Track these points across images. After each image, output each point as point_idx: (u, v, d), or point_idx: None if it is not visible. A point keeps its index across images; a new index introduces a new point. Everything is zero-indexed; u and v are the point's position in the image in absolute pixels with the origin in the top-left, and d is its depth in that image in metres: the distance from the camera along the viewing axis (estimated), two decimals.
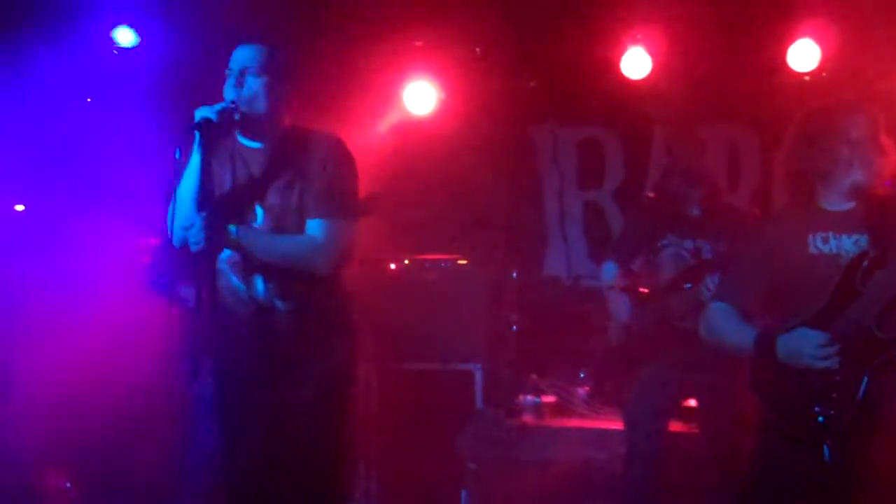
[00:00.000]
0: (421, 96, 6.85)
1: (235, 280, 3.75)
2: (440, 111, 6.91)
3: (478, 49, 6.80)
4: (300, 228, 3.73)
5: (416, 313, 6.21)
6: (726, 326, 3.78)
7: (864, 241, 3.56)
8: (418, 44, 6.73)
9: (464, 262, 6.35)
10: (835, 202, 3.65)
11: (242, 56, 3.73)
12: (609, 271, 5.32)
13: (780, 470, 3.68)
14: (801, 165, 3.70)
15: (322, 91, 5.95)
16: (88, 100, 6.72)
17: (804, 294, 3.60)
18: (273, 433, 3.70)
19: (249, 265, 3.72)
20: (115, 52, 6.45)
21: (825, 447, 3.48)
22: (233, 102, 3.65)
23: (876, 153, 3.59)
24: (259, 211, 3.75)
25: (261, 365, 3.72)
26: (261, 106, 3.72)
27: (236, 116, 3.62)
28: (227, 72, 3.73)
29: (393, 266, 6.41)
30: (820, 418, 3.49)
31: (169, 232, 3.65)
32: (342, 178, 3.75)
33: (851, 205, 3.64)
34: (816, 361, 3.48)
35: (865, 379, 3.44)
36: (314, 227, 3.70)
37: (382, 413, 6.10)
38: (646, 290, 5.19)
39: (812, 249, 3.62)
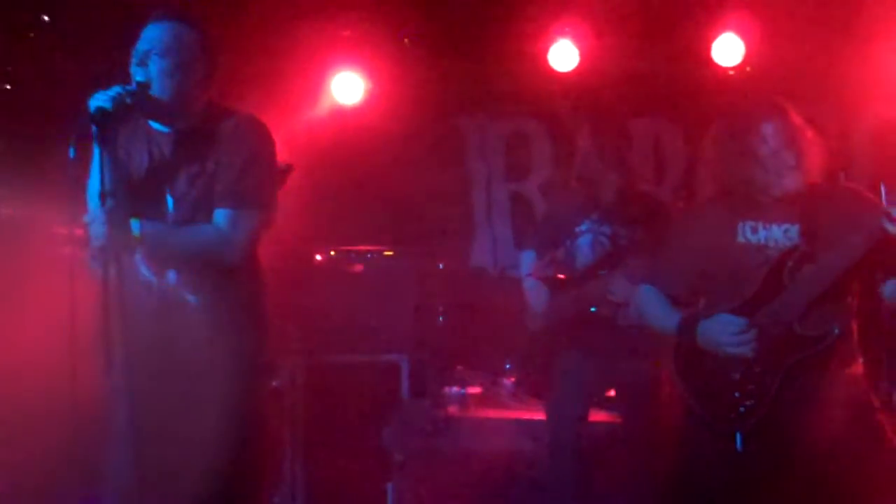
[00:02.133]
0: (349, 86, 6.81)
1: (146, 273, 3.61)
2: (368, 101, 6.88)
3: (406, 40, 6.78)
4: (209, 217, 3.59)
5: (342, 305, 6.18)
6: (653, 310, 3.83)
7: (794, 231, 3.57)
8: (346, 33, 6.68)
9: (390, 253, 6.35)
10: (764, 197, 3.64)
11: (148, 36, 3.53)
12: (527, 260, 5.33)
13: (696, 458, 3.74)
14: (723, 177, 3.71)
15: (247, 80, 5.88)
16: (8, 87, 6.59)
17: (731, 283, 3.63)
18: (181, 428, 3.60)
19: (160, 258, 3.59)
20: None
21: (738, 436, 3.53)
22: (130, 88, 3.43)
23: (797, 157, 3.57)
24: (169, 200, 3.62)
25: (169, 359, 3.59)
26: (164, 89, 3.52)
27: (128, 100, 3.38)
28: (132, 52, 3.53)
29: (319, 257, 6.38)
30: (739, 408, 3.53)
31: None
32: (254, 166, 3.58)
33: (782, 198, 3.62)
34: (732, 347, 3.53)
35: (780, 373, 3.49)
36: (221, 216, 3.56)
37: (308, 405, 6.06)
38: (562, 277, 5.18)
39: (740, 238, 3.63)
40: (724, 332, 3.54)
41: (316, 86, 6.81)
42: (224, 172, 3.56)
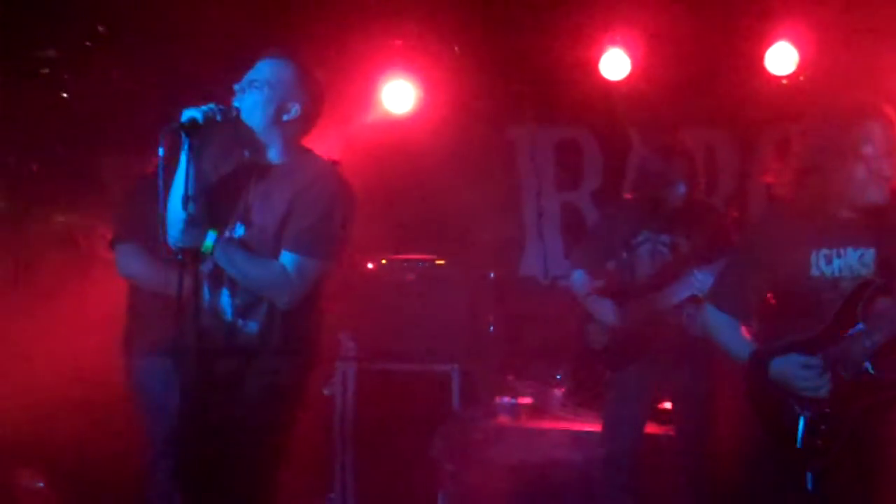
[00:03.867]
0: (400, 95, 6.83)
1: (205, 288, 3.70)
2: (419, 110, 6.89)
3: (456, 48, 6.78)
4: (273, 253, 3.67)
5: (393, 313, 6.21)
6: (723, 334, 3.70)
7: (869, 256, 3.43)
8: (397, 42, 6.70)
9: (441, 262, 6.34)
10: (843, 211, 3.49)
11: (256, 68, 3.71)
12: (579, 280, 5.30)
13: (762, 488, 3.64)
14: (809, 177, 3.49)
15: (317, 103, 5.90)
16: (64, 95, 6.67)
17: (801, 316, 3.51)
18: (215, 446, 3.63)
19: (219, 276, 3.68)
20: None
21: (809, 476, 3.41)
22: (223, 107, 3.57)
23: (891, 169, 3.39)
24: (240, 226, 3.71)
25: (211, 378, 3.63)
26: (256, 119, 3.67)
27: (219, 117, 3.53)
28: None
29: (371, 266, 6.39)
30: (810, 447, 3.41)
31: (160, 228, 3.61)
32: (331, 219, 3.68)
33: (861, 214, 3.47)
34: (808, 391, 3.39)
35: (854, 416, 3.36)
36: (289, 259, 3.64)
37: (359, 413, 6.08)
38: (623, 290, 5.15)
39: (814, 270, 3.49)
40: (799, 374, 3.40)
41: (367, 94, 6.84)
42: (299, 217, 3.65)
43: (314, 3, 6.33)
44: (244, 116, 3.65)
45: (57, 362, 6.20)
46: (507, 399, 6.08)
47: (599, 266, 5.32)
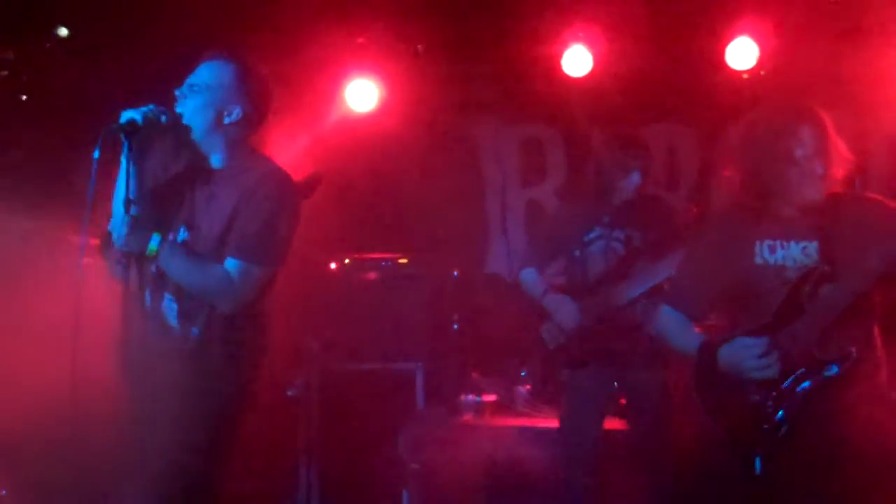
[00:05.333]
0: (363, 93, 6.81)
1: (148, 292, 3.66)
2: (382, 108, 6.87)
3: (419, 46, 6.78)
4: (217, 258, 3.62)
5: (357, 313, 6.21)
6: (672, 330, 3.78)
7: (812, 248, 3.53)
8: (360, 41, 6.68)
9: (404, 261, 6.34)
10: (786, 208, 3.59)
11: (196, 71, 3.66)
12: (531, 278, 5.25)
13: (714, 477, 3.73)
14: (748, 179, 3.63)
15: (263, 100, 5.88)
16: (23, 97, 6.62)
17: (749, 305, 3.60)
18: (159, 451, 3.59)
19: (163, 280, 3.64)
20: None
21: (756, 458, 3.49)
22: (164, 109, 3.55)
23: (825, 167, 3.51)
24: (184, 230, 3.68)
25: (154, 383, 3.60)
26: (197, 123, 3.63)
27: (163, 119, 3.51)
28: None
29: (333, 265, 6.38)
30: (758, 430, 3.49)
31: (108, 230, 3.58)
32: (275, 223, 3.63)
33: (802, 211, 3.57)
34: (756, 371, 3.47)
35: (799, 397, 3.45)
36: (232, 265, 3.60)
37: (324, 413, 6.07)
38: (576, 287, 5.13)
39: (758, 259, 3.59)
40: (747, 355, 3.48)
41: (330, 93, 6.81)
42: (243, 222, 3.61)
43: (278, 2, 6.30)
44: (186, 121, 3.62)
45: (20, 371, 6.17)
46: (471, 397, 6.09)
47: (550, 264, 5.29)
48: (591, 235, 5.07)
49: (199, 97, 3.63)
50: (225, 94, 3.64)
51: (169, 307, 3.65)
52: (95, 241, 5.33)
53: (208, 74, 3.65)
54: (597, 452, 5.02)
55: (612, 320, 4.98)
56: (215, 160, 3.72)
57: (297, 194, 3.75)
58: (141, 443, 3.62)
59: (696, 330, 3.78)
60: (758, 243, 3.59)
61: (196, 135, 3.65)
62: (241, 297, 3.61)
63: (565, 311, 5.06)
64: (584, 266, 5.09)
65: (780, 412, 3.46)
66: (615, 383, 5.10)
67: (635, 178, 5.02)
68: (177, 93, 3.66)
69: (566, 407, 5.14)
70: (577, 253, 5.10)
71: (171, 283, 3.64)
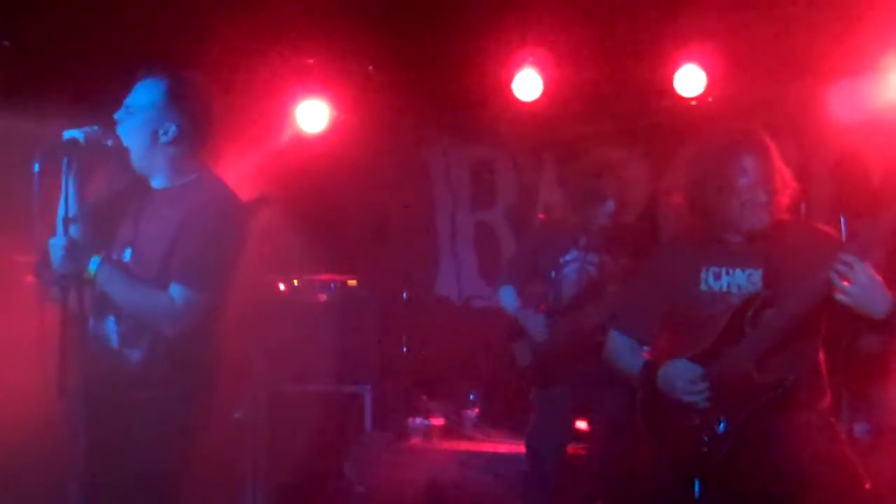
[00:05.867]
0: (313, 114, 6.81)
1: (91, 314, 3.56)
2: (333, 130, 6.87)
3: (371, 68, 6.78)
4: (160, 282, 3.53)
5: (305, 334, 6.16)
6: (619, 352, 3.81)
7: (757, 276, 3.56)
8: (311, 62, 6.67)
9: (353, 282, 6.32)
10: (731, 235, 3.62)
11: (132, 92, 3.58)
12: (508, 295, 5.29)
13: (657, 498, 3.75)
14: (694, 207, 3.65)
15: (203, 114, 5.85)
16: None
17: (693, 330, 3.62)
18: (106, 476, 3.53)
19: (106, 302, 3.56)
20: None
21: (696, 482, 3.52)
22: (107, 131, 3.49)
23: (769, 194, 3.53)
24: (128, 251, 3.60)
25: (106, 405, 3.53)
26: (135, 145, 3.56)
27: (108, 142, 3.46)
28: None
29: (282, 287, 6.34)
30: (698, 453, 3.52)
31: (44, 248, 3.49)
32: (221, 249, 3.53)
33: (747, 238, 3.60)
34: (686, 395, 3.52)
35: (737, 421, 3.48)
36: (176, 291, 3.49)
37: (271, 435, 6.02)
38: (550, 309, 5.14)
39: (703, 287, 3.61)
40: (680, 379, 3.53)
41: (281, 114, 6.80)
42: (185, 247, 3.52)
43: (228, 21, 6.27)
44: (125, 143, 3.55)
45: None
46: (419, 420, 6.08)
47: (528, 283, 5.32)
48: (567, 258, 5.12)
49: (134, 118, 3.55)
50: (158, 112, 3.54)
51: (112, 329, 3.58)
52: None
53: (141, 94, 3.57)
54: (561, 472, 5.03)
55: (583, 342, 5.00)
56: (158, 181, 3.64)
57: (243, 216, 3.67)
58: (93, 469, 3.54)
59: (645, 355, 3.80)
60: (703, 270, 3.62)
61: (135, 157, 3.57)
62: (184, 323, 3.51)
63: (536, 326, 5.10)
64: (559, 288, 5.13)
65: (719, 437, 3.49)
66: (579, 404, 5.11)
67: (609, 206, 5.07)
68: (115, 116, 3.58)
69: (534, 425, 5.15)
70: (553, 274, 5.14)
71: (113, 304, 3.55)
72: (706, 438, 3.50)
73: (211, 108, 3.67)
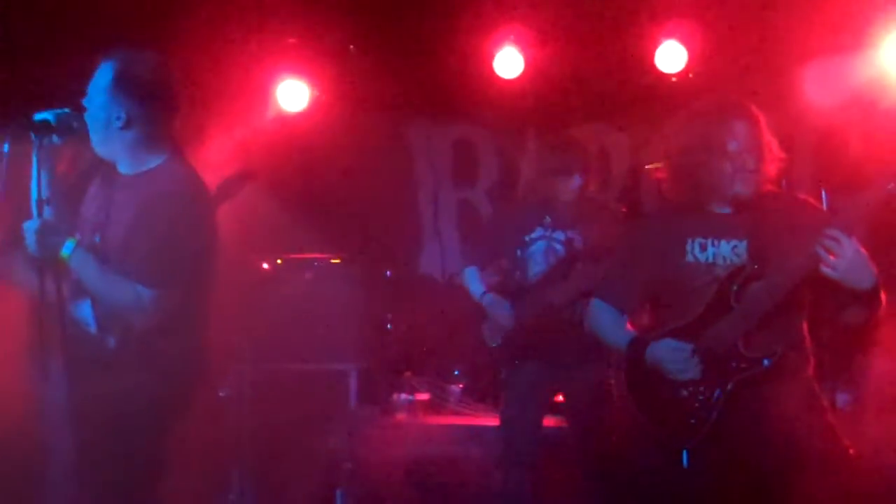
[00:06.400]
0: (294, 94, 6.80)
1: (66, 296, 3.48)
2: (314, 109, 6.86)
3: (351, 46, 6.77)
4: (127, 270, 3.46)
5: (289, 313, 6.15)
6: (604, 325, 3.81)
7: (742, 247, 3.57)
8: (291, 41, 6.66)
9: (337, 260, 6.31)
10: (717, 205, 3.62)
11: (93, 76, 3.52)
12: (472, 277, 5.27)
13: (643, 471, 3.77)
14: (681, 173, 3.65)
15: (193, 87, 5.83)
16: None
17: (679, 301, 3.63)
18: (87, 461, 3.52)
19: (80, 286, 3.51)
20: None
21: (684, 453, 3.54)
22: (77, 115, 3.46)
23: (757, 162, 3.53)
24: (97, 236, 3.56)
25: (81, 391, 3.47)
26: (95, 131, 3.52)
27: (74, 125, 3.42)
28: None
29: (266, 265, 6.34)
30: (685, 425, 3.54)
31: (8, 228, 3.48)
32: (177, 243, 3.44)
33: (734, 208, 3.61)
34: (677, 373, 3.54)
35: (724, 393, 3.50)
36: (140, 288, 3.43)
37: (255, 414, 6.02)
38: (516, 287, 5.15)
39: (689, 257, 3.61)
40: (670, 357, 3.54)
41: (261, 93, 6.78)
42: (142, 243, 3.45)
43: (208, 2, 6.24)
44: (88, 131, 3.51)
45: None
46: (404, 396, 6.10)
47: (491, 263, 5.32)
48: (533, 236, 5.11)
49: (90, 104, 3.50)
50: (108, 97, 3.48)
51: (88, 314, 3.55)
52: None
53: (97, 79, 3.52)
54: (536, 450, 5.04)
55: (552, 319, 5.01)
56: (122, 166, 3.59)
57: (203, 206, 3.57)
58: (79, 456, 3.53)
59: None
60: (689, 241, 3.62)
61: (95, 143, 3.53)
62: (151, 318, 3.46)
63: (501, 313, 5.09)
64: (525, 266, 5.12)
65: (707, 408, 3.52)
66: (553, 381, 5.12)
67: (575, 181, 5.07)
68: (83, 102, 3.53)
69: (505, 405, 5.16)
70: (519, 253, 5.13)
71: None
72: (694, 410, 3.53)
73: (165, 89, 3.57)
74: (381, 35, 6.66)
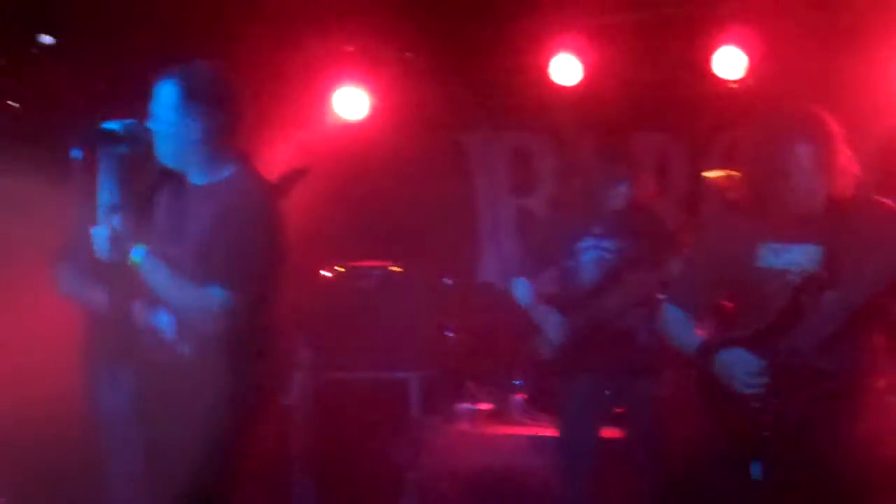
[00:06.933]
0: (352, 102, 6.81)
1: (145, 305, 3.63)
2: (372, 117, 6.87)
3: (409, 54, 6.79)
4: (198, 277, 3.53)
5: (350, 322, 6.19)
6: (675, 330, 3.78)
7: (816, 252, 3.49)
8: (349, 49, 6.68)
9: (398, 269, 6.33)
10: (787, 215, 3.56)
11: (158, 94, 3.57)
12: (522, 288, 5.21)
13: (712, 483, 3.76)
14: (749, 184, 3.63)
15: (251, 97, 5.87)
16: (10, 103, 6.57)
17: (750, 308, 3.60)
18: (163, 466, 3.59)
19: (154, 294, 3.58)
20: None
21: (754, 465, 3.49)
22: (141, 123, 3.54)
23: (824, 183, 3.47)
24: (167, 246, 3.61)
25: (162, 391, 3.61)
26: (166, 148, 3.58)
27: (142, 135, 3.50)
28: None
29: (328, 273, 6.36)
30: (757, 437, 3.50)
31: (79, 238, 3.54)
32: (253, 246, 3.52)
33: (804, 218, 3.54)
34: (744, 387, 3.49)
35: (795, 406, 3.46)
36: (215, 291, 3.49)
37: (319, 423, 6.05)
38: (568, 298, 5.11)
39: (761, 263, 3.56)
40: (740, 370, 3.50)
41: (320, 102, 6.81)
42: (220, 247, 3.51)
43: (266, 10, 6.28)
44: (156, 150, 3.58)
45: (6, 376, 6.12)
46: (466, 405, 6.09)
47: (541, 272, 5.28)
48: (583, 245, 5.07)
49: (158, 125, 3.56)
50: (176, 114, 3.54)
51: (164, 321, 3.61)
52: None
53: (160, 99, 3.57)
54: (593, 462, 5.02)
55: (605, 330, 4.98)
56: (193, 177, 3.65)
57: (277, 213, 3.64)
58: (149, 464, 3.65)
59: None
60: (760, 246, 3.57)
61: (165, 157, 3.59)
62: (222, 323, 3.51)
63: (551, 325, 5.06)
64: (577, 275, 5.09)
65: (779, 420, 3.47)
66: (608, 392, 5.09)
67: (623, 189, 5.03)
68: (150, 121, 3.60)
69: (561, 417, 5.14)
70: (570, 262, 5.09)
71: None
72: (766, 422, 3.48)
73: (231, 99, 3.64)
74: (438, 43, 6.68)
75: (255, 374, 3.66)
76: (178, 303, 3.55)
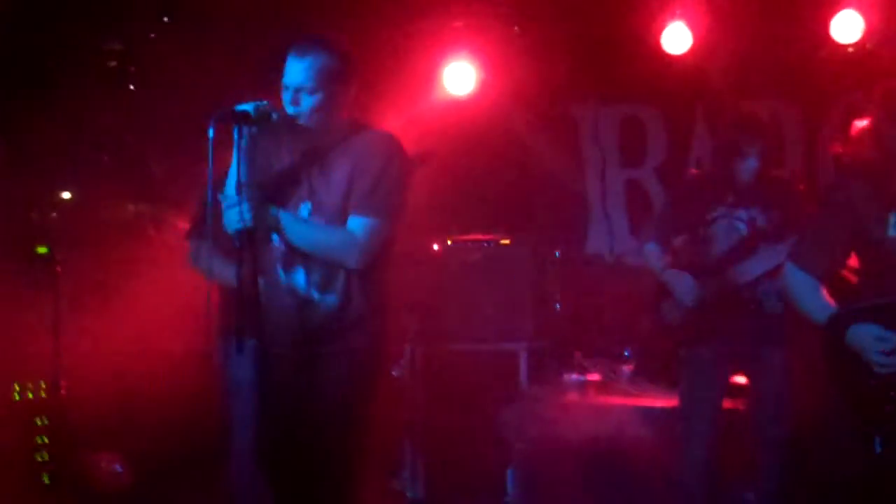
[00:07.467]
0: (461, 76, 6.84)
1: (278, 269, 3.81)
2: (480, 91, 6.90)
3: (517, 28, 6.79)
4: (338, 224, 3.77)
5: (459, 294, 6.24)
6: (802, 295, 3.71)
7: None
8: (457, 24, 6.72)
9: (506, 241, 6.34)
10: None
11: (294, 72, 3.72)
12: (653, 253, 5.20)
13: (834, 455, 3.69)
14: (881, 148, 3.57)
15: (362, 72, 5.95)
16: (132, 87, 6.79)
17: (879, 278, 3.53)
18: (306, 419, 3.74)
19: (293, 255, 3.77)
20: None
21: (877, 438, 3.44)
22: (276, 109, 3.69)
23: None
24: (304, 206, 3.81)
25: (297, 354, 3.77)
26: (315, 121, 3.76)
27: (274, 116, 3.65)
28: (283, 84, 3.76)
29: (436, 247, 6.43)
30: (881, 411, 3.43)
31: (210, 212, 3.66)
32: (391, 178, 3.76)
33: None
34: (877, 365, 3.43)
35: None
36: (355, 223, 3.73)
37: (428, 393, 6.13)
38: (701, 265, 5.05)
39: (892, 231, 3.49)
40: (874, 346, 3.43)
41: (429, 76, 6.86)
42: (359, 183, 3.74)
43: None
44: (303, 121, 3.75)
45: (133, 349, 6.37)
46: (575, 376, 6.09)
47: (671, 240, 5.26)
48: (715, 214, 5.03)
49: (313, 98, 3.72)
50: (334, 86, 3.74)
51: (302, 279, 3.78)
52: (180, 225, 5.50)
53: (304, 68, 3.71)
54: (715, 431, 4.97)
55: (734, 299, 4.94)
56: (328, 140, 3.83)
57: (400, 150, 3.85)
58: (268, 426, 3.78)
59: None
60: (892, 214, 3.51)
61: (316, 128, 3.77)
62: (367, 253, 3.73)
63: (684, 287, 5.02)
64: (708, 245, 5.05)
65: None
66: (733, 362, 5.05)
67: (752, 162, 4.96)
68: (285, 97, 3.75)
69: (685, 384, 5.10)
70: (702, 231, 5.07)
71: (301, 256, 3.76)
72: (890, 397, 3.41)
73: (358, 71, 3.86)
74: (546, 15, 6.65)
75: (388, 320, 3.89)
76: (321, 245, 3.74)
